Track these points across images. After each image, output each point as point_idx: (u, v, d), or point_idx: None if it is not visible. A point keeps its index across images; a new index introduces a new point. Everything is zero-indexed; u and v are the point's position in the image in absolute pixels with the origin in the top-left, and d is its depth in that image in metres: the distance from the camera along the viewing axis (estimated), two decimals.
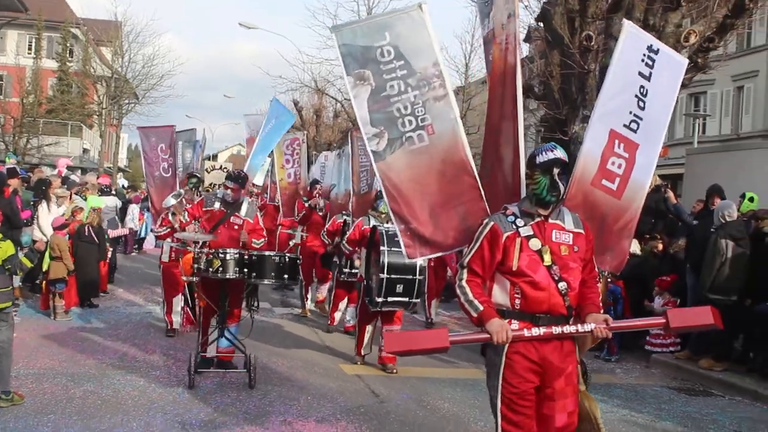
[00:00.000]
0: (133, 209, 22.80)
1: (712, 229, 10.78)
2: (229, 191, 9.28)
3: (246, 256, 8.49)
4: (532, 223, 4.75)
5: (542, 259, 4.65)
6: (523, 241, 4.67)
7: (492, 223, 4.76)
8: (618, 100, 5.85)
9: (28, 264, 8.21)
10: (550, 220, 4.78)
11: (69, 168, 21.35)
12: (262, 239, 9.46)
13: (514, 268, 4.64)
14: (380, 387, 8.95)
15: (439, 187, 5.80)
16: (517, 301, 4.65)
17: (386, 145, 5.80)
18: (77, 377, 8.56)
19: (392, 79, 5.81)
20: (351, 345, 11.32)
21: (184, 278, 9.46)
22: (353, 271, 11.52)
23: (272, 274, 8.62)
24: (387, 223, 10.01)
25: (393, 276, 9.32)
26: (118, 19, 48.88)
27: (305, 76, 41.07)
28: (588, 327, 4.61)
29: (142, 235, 25.16)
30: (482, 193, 5.79)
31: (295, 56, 70.08)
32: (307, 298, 14.37)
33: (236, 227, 9.21)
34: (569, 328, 4.61)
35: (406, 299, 9.51)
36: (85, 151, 47.80)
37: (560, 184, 4.71)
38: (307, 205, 14.60)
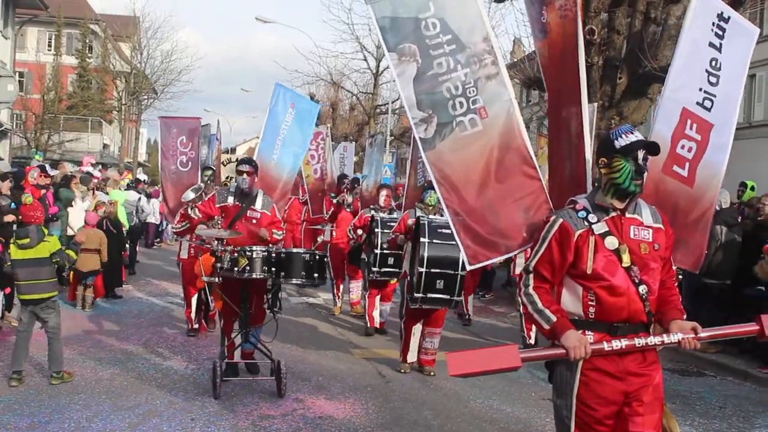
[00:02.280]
0: (154, 203, 23.39)
1: None
2: (245, 176, 8.64)
3: (274, 254, 7.94)
4: (607, 218, 4.15)
5: (620, 260, 4.06)
6: (597, 239, 4.08)
7: (560, 220, 4.16)
8: (688, 75, 5.31)
9: (74, 256, 8.79)
10: (627, 215, 4.19)
11: (92, 164, 22.00)
12: (282, 231, 8.95)
13: (589, 271, 4.06)
14: (387, 369, 9.50)
15: (496, 178, 5.26)
16: (591, 309, 4.06)
17: (435, 131, 5.27)
18: (104, 361, 9.16)
19: (440, 55, 5.26)
20: (360, 330, 11.89)
21: (204, 279, 8.59)
22: (383, 270, 11.03)
23: (302, 273, 8.01)
24: (434, 215, 9.59)
25: (433, 270, 8.65)
26: (137, 14, 49.70)
27: (321, 69, 41.61)
28: (675, 338, 4.04)
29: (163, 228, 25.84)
30: (543, 184, 5.32)
31: (310, 50, 70.44)
32: (338, 297, 13.95)
33: (254, 221, 8.64)
34: (654, 340, 4.03)
35: (447, 296, 8.80)
36: (105, 146, 48.60)
37: (645, 170, 4.18)
38: (335, 201, 14.15)
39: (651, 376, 4.08)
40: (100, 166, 28.24)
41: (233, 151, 73.37)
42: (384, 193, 12.51)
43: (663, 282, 4.21)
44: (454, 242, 8.30)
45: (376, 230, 11.04)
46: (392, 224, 10.57)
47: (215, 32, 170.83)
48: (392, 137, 42.36)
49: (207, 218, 8.72)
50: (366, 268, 11.74)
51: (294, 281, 8.28)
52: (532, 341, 10.83)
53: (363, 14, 40.05)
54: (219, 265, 8.01)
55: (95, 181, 17.14)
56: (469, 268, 5.58)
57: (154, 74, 49.51)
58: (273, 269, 7.89)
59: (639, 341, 3.99)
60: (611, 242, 4.07)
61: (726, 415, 8.25)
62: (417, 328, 9.36)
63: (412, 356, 9.43)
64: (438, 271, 8.67)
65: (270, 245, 8.29)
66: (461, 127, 5.25)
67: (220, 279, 8.16)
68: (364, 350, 10.64)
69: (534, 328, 11.50)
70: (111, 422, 6.91)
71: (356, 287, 13.39)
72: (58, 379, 8.09)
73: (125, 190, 19.42)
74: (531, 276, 4.20)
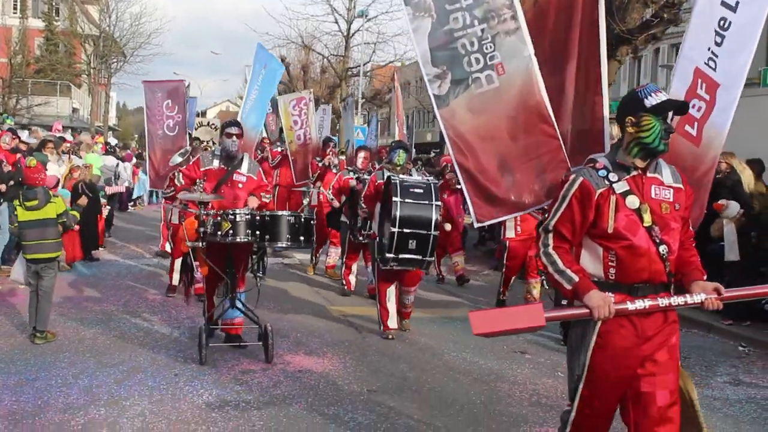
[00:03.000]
0: (126, 167, 23.43)
1: None
2: (234, 138, 8.32)
3: (258, 217, 7.72)
4: (628, 177, 4.08)
5: (641, 220, 4.00)
6: (618, 198, 4.01)
7: (581, 178, 4.06)
8: (701, 34, 5.27)
9: (77, 216, 9.04)
10: (648, 174, 4.11)
11: (59, 130, 22.07)
12: (269, 195, 8.75)
13: (610, 231, 3.99)
14: (364, 325, 9.77)
15: (512, 136, 5.16)
16: (612, 270, 4.02)
17: (449, 87, 5.17)
18: (86, 321, 9.34)
19: (456, 10, 5.14)
20: (336, 289, 12.14)
21: (188, 244, 8.17)
22: (370, 231, 10.49)
23: (287, 236, 7.80)
24: (402, 175, 9.31)
25: (405, 230, 8.47)
26: None
27: (291, 32, 41.49)
28: (698, 298, 4.00)
29: (139, 193, 25.88)
30: (561, 143, 5.19)
31: (281, 12, 69.88)
32: (316, 257, 13.88)
33: (240, 185, 8.38)
34: (677, 300, 3.98)
35: (419, 257, 8.65)
36: (74, 110, 48.08)
37: (673, 129, 4.13)
38: (320, 165, 13.94)
39: (668, 336, 4.06)
40: (70, 131, 28.21)
41: (203, 114, 73.11)
42: (362, 155, 12.35)
43: (682, 242, 4.16)
44: (426, 202, 8.56)
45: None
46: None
47: None
48: (364, 99, 42.44)
49: (191, 182, 8.46)
50: (346, 230, 11.67)
51: (279, 245, 8.06)
52: (505, 298, 11.09)
53: None
54: (202, 229, 7.75)
55: (67, 145, 17.14)
56: (476, 225, 5.53)
57: (123, 37, 49.07)
58: (257, 232, 7.69)
59: (662, 301, 3.95)
60: (632, 201, 4.01)
61: (690, 364, 8.58)
62: (391, 291, 9.22)
63: (392, 322, 9.20)
64: (410, 231, 8.52)
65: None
66: (477, 83, 5.14)
67: (203, 244, 7.86)
68: (341, 308, 10.89)
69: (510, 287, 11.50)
70: (96, 378, 7.11)
71: (334, 252, 13.27)
72: (41, 338, 8.29)
73: (104, 155, 19.45)
74: (550, 235, 4.12)
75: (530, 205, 5.27)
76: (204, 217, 7.76)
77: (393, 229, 8.49)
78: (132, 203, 26.12)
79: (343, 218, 11.86)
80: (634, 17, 15.29)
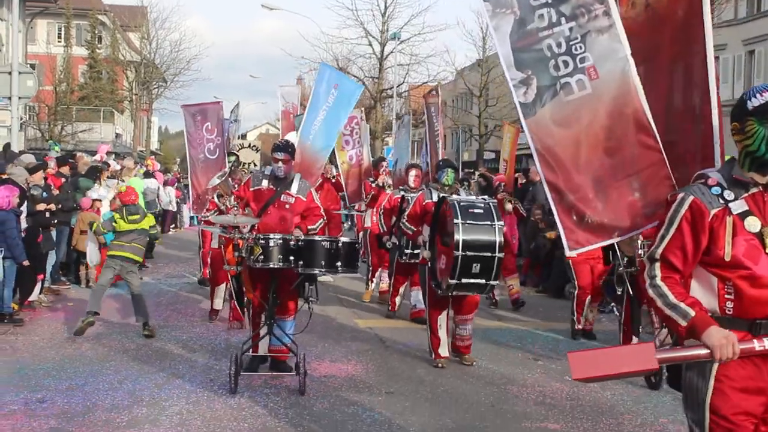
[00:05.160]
0: (169, 191, 24.23)
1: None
2: (280, 164, 8.12)
3: (292, 242, 7.46)
4: (746, 195, 3.47)
5: (764, 245, 3.41)
6: (735, 220, 3.42)
7: (691, 197, 3.46)
8: None
9: (159, 229, 10.59)
10: None
11: (107, 153, 22.91)
12: (320, 220, 8.45)
13: (727, 258, 3.41)
14: (389, 337, 10.38)
15: (606, 149, 4.68)
16: (729, 304, 3.42)
17: (535, 95, 4.69)
18: (130, 335, 10.06)
19: (541, 6, 4.66)
20: (366, 303, 12.75)
21: (226, 268, 8.27)
22: (415, 251, 10.41)
23: (322, 262, 7.46)
24: (452, 195, 8.90)
25: (469, 253, 7.99)
26: (144, 4, 50.40)
27: (327, 55, 42.43)
28: None
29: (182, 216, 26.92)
30: (665, 157, 4.66)
31: (316, 36, 71.11)
32: (371, 282, 13.51)
33: (287, 206, 8.20)
34: None
35: (483, 281, 8.18)
36: (117, 135, 49.52)
37: None
38: (374, 185, 13.66)
39: None
40: (114, 156, 29.19)
41: (244, 136, 74.44)
42: (413, 173, 11.75)
43: None
44: (488, 222, 8.18)
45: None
46: None
47: (222, 20, 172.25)
48: (399, 120, 43.16)
49: (244, 204, 8.47)
50: (395, 251, 11.31)
51: (315, 271, 7.62)
52: (580, 326, 10.47)
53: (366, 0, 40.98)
54: (237, 254, 7.77)
55: (109, 170, 17.92)
56: (568, 253, 5.02)
57: (164, 63, 50.30)
58: (291, 258, 7.42)
59: None
60: (753, 223, 3.42)
61: None
62: (442, 318, 8.81)
63: (444, 350, 8.81)
64: (473, 254, 8.03)
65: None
66: (567, 89, 4.68)
67: (239, 268, 7.97)
68: (367, 320, 11.55)
69: (584, 313, 10.55)
70: (139, 383, 7.81)
71: (385, 276, 12.92)
72: (148, 330, 9.89)
73: (144, 178, 20.28)
74: (657, 265, 3.54)
75: (629, 230, 4.77)
76: (238, 241, 7.78)
77: (456, 253, 8.00)
78: (173, 225, 27.05)
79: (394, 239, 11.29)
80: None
